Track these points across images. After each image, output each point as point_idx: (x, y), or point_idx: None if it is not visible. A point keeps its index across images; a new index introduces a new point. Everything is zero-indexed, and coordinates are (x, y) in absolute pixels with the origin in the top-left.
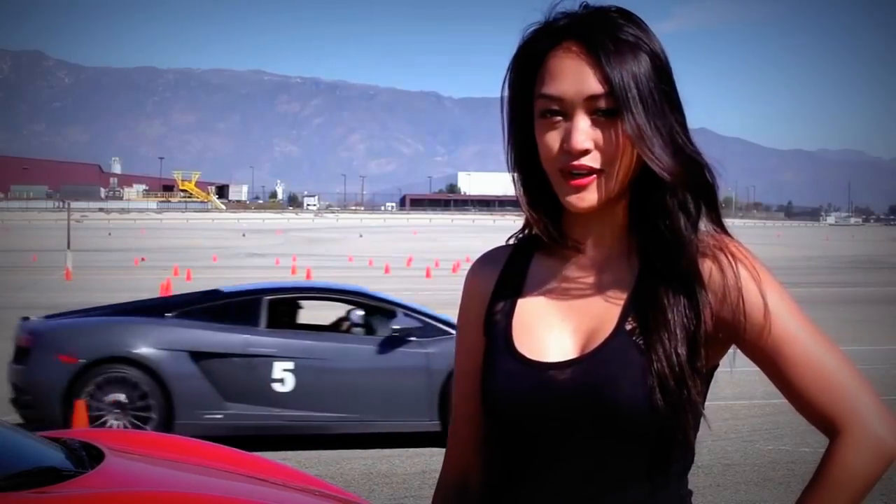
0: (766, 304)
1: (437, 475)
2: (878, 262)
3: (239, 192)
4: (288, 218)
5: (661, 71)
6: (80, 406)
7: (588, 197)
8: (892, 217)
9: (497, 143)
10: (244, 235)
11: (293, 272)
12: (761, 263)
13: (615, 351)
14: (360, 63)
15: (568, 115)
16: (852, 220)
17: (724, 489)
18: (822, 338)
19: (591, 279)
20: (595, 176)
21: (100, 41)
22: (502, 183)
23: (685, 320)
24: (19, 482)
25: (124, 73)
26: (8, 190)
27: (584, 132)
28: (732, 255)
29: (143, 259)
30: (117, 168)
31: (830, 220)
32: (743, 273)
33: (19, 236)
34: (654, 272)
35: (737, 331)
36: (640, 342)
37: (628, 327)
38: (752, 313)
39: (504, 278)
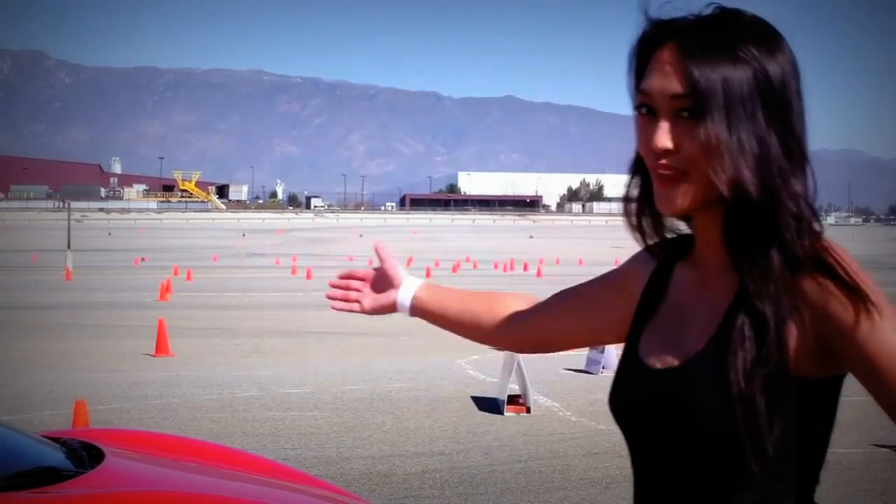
0: (866, 316)
1: (436, 476)
2: (879, 263)
3: (239, 192)
4: (288, 218)
5: (772, 88)
6: (81, 406)
7: (671, 201)
8: (891, 217)
9: (496, 143)
10: (244, 235)
11: (293, 272)
12: (859, 267)
13: (699, 365)
14: (361, 63)
15: (655, 113)
16: (852, 220)
17: None
18: None
19: (700, 290)
20: (678, 178)
21: (100, 41)
22: (502, 183)
23: (770, 337)
24: (19, 482)
25: (124, 73)
26: (8, 190)
27: (665, 131)
28: (829, 265)
29: (143, 259)
30: (117, 168)
31: (830, 220)
32: (841, 283)
33: (19, 236)
34: (748, 290)
35: (836, 343)
36: (723, 358)
37: (716, 343)
38: (851, 326)
39: (653, 280)
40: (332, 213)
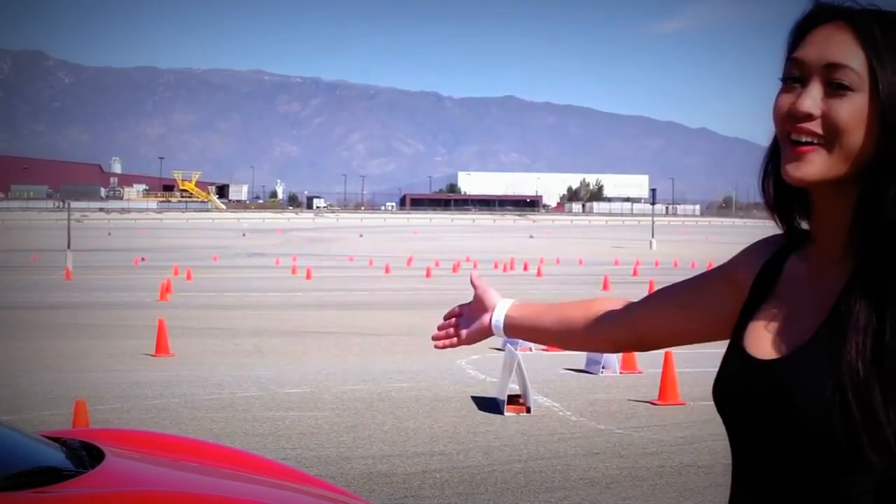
0: None
1: (436, 475)
2: None
3: (239, 191)
4: (288, 218)
5: None
6: (81, 406)
7: (805, 168)
8: None
9: (497, 142)
10: (244, 235)
11: (293, 272)
12: None
13: (807, 357)
14: (361, 63)
15: (805, 82)
16: None
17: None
18: None
19: (815, 280)
20: (816, 147)
21: (100, 41)
22: (502, 182)
23: (882, 337)
24: (20, 482)
25: (124, 72)
26: (8, 190)
27: (813, 97)
28: None
29: (143, 259)
30: (117, 168)
31: None
32: None
33: (19, 236)
34: (862, 281)
35: None
36: (834, 347)
37: (826, 333)
38: None
39: (763, 273)
40: (332, 212)
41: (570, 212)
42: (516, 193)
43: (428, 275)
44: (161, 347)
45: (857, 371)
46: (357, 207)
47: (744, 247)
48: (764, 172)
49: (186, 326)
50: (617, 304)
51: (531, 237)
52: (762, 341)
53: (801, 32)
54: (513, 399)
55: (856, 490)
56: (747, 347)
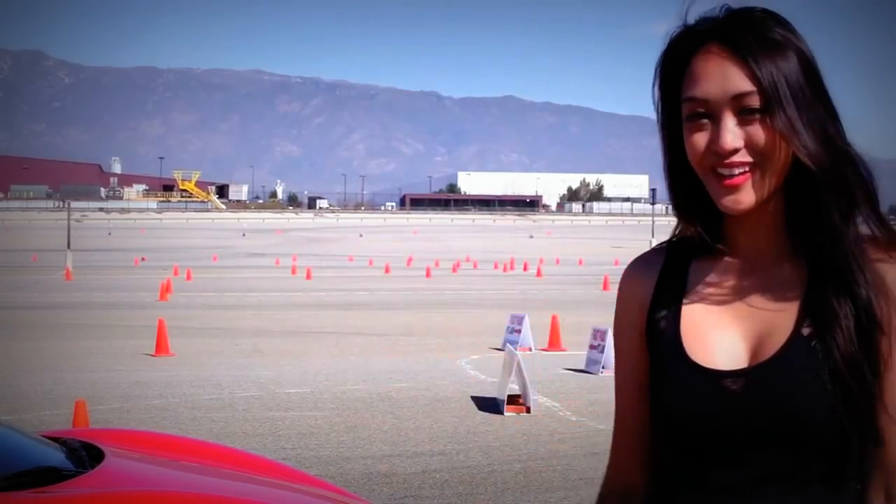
0: None
1: (436, 475)
2: None
3: (239, 191)
4: (288, 218)
5: (809, 68)
6: (81, 406)
7: (743, 198)
8: (891, 217)
9: (496, 143)
10: (244, 235)
11: (293, 272)
12: None
13: (793, 356)
14: (360, 63)
15: (714, 117)
16: None
17: None
18: None
19: (756, 284)
20: (748, 174)
21: (100, 41)
22: (502, 182)
23: (859, 321)
24: (20, 482)
25: (124, 72)
26: (8, 190)
27: (733, 132)
28: None
29: (143, 259)
30: (117, 168)
31: None
32: None
33: (19, 236)
34: (822, 272)
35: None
36: (818, 347)
37: (805, 332)
38: None
39: (663, 283)
40: (332, 212)
41: (569, 212)
42: (516, 193)
43: (428, 275)
44: (161, 347)
45: (852, 357)
46: (357, 207)
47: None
48: (673, 194)
49: (186, 326)
50: (617, 489)
51: (531, 237)
52: (713, 350)
53: (678, 61)
54: (513, 399)
55: (844, 479)
56: (697, 359)
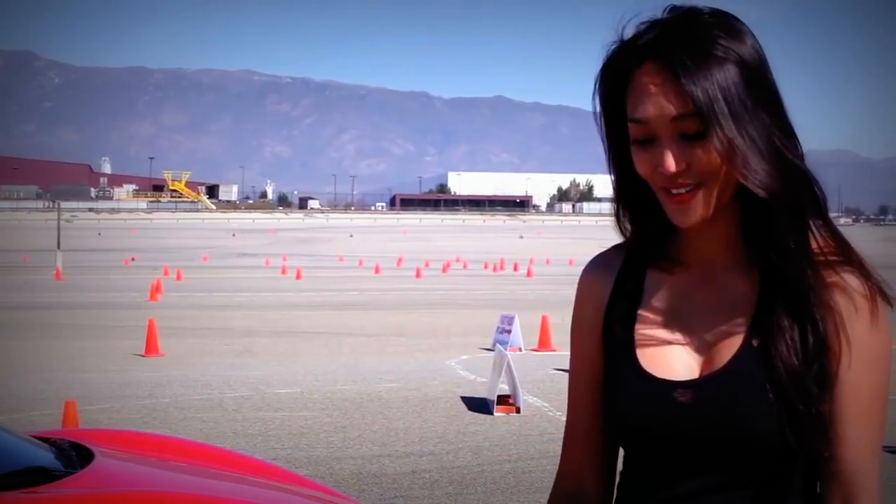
0: (866, 352)
1: (426, 476)
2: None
3: (229, 192)
4: (278, 218)
5: (754, 76)
6: (71, 406)
7: (692, 213)
8: (881, 217)
9: (487, 143)
10: (234, 235)
11: (283, 272)
12: (881, 310)
13: (742, 369)
14: (351, 63)
15: (656, 138)
16: (842, 221)
17: None
18: (885, 417)
19: (711, 294)
20: (695, 191)
21: (90, 41)
22: (492, 183)
23: (805, 336)
24: (9, 482)
25: (115, 73)
26: None
27: (673, 155)
28: (858, 291)
29: (133, 259)
30: (107, 168)
31: None
32: (860, 305)
33: (9, 236)
34: (774, 285)
35: (830, 359)
36: (766, 360)
37: (755, 344)
38: (848, 354)
39: (620, 288)
40: (322, 213)
41: (559, 212)
42: (506, 194)
43: (418, 275)
44: (151, 348)
45: (794, 369)
46: (347, 208)
47: None
48: (625, 205)
49: (176, 326)
50: (567, 492)
51: (521, 237)
52: (666, 360)
53: (621, 72)
54: (502, 399)
55: (792, 492)
56: (648, 368)
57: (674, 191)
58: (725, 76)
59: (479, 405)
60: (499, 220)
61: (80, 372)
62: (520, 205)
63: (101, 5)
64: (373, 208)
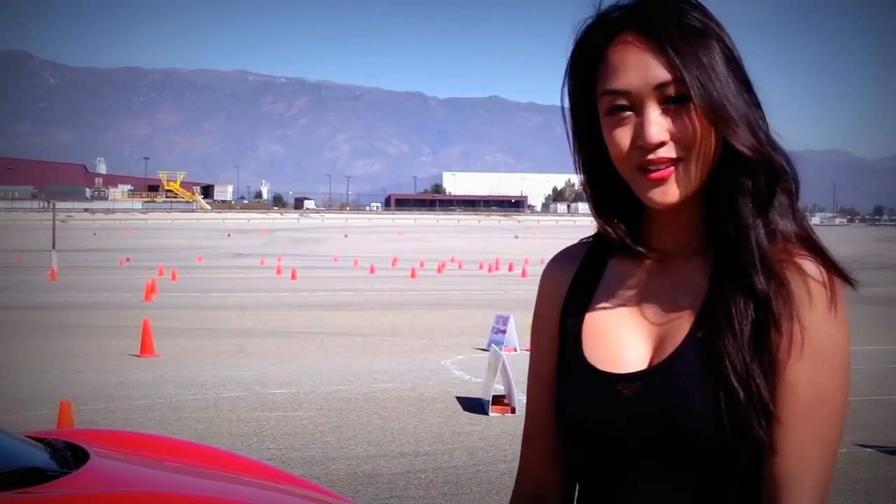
0: (819, 346)
1: (421, 476)
2: (863, 263)
3: (224, 192)
4: (273, 218)
5: (732, 57)
6: (66, 406)
7: (670, 190)
8: (876, 217)
9: (481, 143)
10: (229, 235)
11: (278, 272)
12: (839, 300)
13: (685, 361)
14: (345, 63)
15: (637, 109)
16: (837, 221)
17: None
18: (842, 417)
19: (665, 283)
20: (674, 167)
21: (85, 41)
22: (487, 183)
23: (755, 323)
24: (4, 482)
25: (109, 73)
26: None
27: (658, 123)
28: (815, 277)
29: (128, 259)
30: (102, 168)
31: (815, 220)
32: (816, 292)
33: (4, 236)
34: (726, 270)
35: (779, 351)
36: (711, 350)
37: (700, 335)
38: (802, 346)
39: (578, 280)
40: (318, 213)
41: (554, 212)
42: (501, 194)
43: (413, 275)
44: (146, 348)
45: (741, 359)
46: (342, 208)
47: None
48: (591, 194)
49: (171, 327)
50: (528, 493)
51: (516, 237)
52: (613, 352)
53: (591, 54)
54: (497, 399)
55: (733, 489)
56: (594, 361)
57: (652, 167)
58: (708, 49)
59: (474, 405)
60: (494, 220)
61: (75, 372)
62: (515, 205)
63: (96, 5)
64: (368, 208)
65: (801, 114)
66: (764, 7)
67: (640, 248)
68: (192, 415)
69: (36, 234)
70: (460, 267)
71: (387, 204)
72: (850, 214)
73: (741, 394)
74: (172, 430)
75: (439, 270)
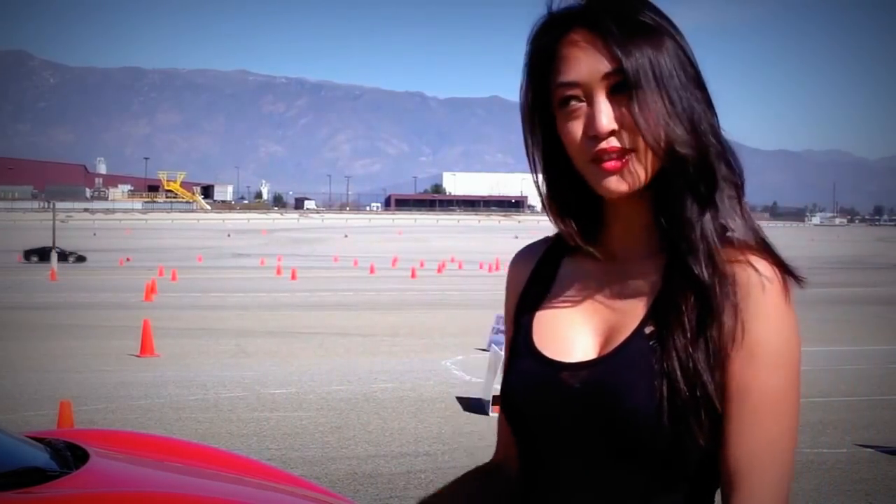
0: (766, 345)
1: (421, 476)
2: (863, 263)
3: (224, 192)
4: (273, 218)
5: (682, 55)
6: (66, 406)
7: (624, 178)
8: (876, 217)
9: (481, 143)
10: (229, 236)
11: (278, 272)
12: (789, 299)
13: (630, 354)
14: (345, 63)
15: (588, 100)
16: (837, 221)
17: None
18: (793, 419)
19: (619, 281)
20: (628, 156)
21: (85, 41)
22: (487, 183)
23: (702, 320)
24: (4, 482)
25: (109, 73)
26: None
27: (607, 113)
28: (765, 275)
29: (128, 259)
30: (102, 168)
31: (815, 220)
32: (770, 297)
33: (4, 236)
34: (678, 269)
35: (725, 347)
36: (657, 345)
37: (647, 330)
38: (748, 344)
39: (535, 276)
40: (318, 213)
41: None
42: (501, 194)
43: (413, 275)
44: (146, 348)
45: (685, 353)
46: (342, 208)
47: None
48: (547, 197)
49: (171, 327)
50: (491, 464)
51: (516, 237)
52: (563, 343)
53: (545, 51)
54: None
55: (679, 486)
56: (543, 350)
57: (605, 157)
58: (653, 42)
59: (474, 405)
60: (494, 220)
61: (75, 372)
62: (515, 205)
63: (96, 5)
64: (368, 209)
65: (801, 114)
66: (764, 7)
67: (590, 248)
68: (192, 415)
69: (36, 234)
70: (460, 267)
71: (387, 204)
72: (851, 214)
73: (684, 387)
74: (172, 430)
75: (439, 270)
